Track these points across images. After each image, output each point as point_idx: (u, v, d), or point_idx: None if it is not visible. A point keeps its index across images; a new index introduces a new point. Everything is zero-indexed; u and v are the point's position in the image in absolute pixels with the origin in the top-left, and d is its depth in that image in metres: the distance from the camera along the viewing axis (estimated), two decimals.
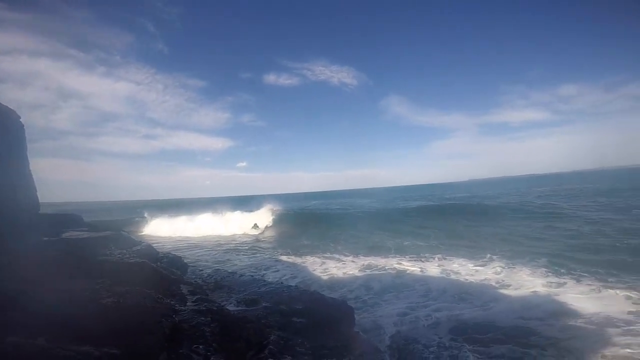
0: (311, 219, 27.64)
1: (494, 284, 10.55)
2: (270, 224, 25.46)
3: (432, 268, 13.44)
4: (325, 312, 6.74)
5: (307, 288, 9.84)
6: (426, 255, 15.62)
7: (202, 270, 8.67)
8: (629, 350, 5.87)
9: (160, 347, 3.96)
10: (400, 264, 14.15)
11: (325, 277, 13.01)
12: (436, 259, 14.75)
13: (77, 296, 4.41)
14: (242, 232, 24.50)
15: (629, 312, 7.43)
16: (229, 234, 24.29)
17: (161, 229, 26.42)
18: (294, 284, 10.59)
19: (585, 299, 8.46)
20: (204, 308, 5.63)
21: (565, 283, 9.71)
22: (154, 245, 10.47)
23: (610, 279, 9.68)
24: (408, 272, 13.05)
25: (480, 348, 6.54)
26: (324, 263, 15.34)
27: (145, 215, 29.65)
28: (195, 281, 8.08)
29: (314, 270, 14.04)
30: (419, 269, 13.10)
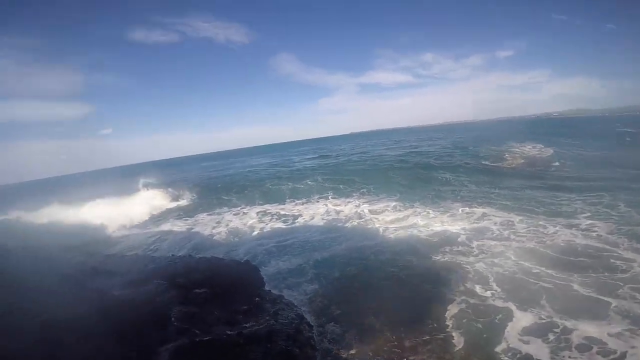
0: (202, 185, 25.99)
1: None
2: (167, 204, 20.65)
3: (319, 208, 15.87)
4: (229, 277, 6.57)
5: (204, 254, 9.60)
6: (317, 196, 18.23)
7: (71, 258, 7.27)
8: None
9: (33, 357, 3.39)
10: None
11: (222, 236, 13.17)
12: (321, 200, 17.55)
13: None
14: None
15: None
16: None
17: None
18: (187, 254, 10.26)
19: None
20: (82, 298, 4.83)
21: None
22: None
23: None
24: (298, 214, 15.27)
25: None
26: (219, 220, 15.61)
27: None
28: (65, 271, 6.77)
29: (209, 231, 14.08)
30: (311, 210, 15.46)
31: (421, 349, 5.43)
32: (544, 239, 9.45)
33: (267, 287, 6.99)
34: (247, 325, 4.83)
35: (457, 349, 5.49)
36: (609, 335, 5.33)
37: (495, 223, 11.05)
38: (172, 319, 4.71)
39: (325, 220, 13.99)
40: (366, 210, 14.42)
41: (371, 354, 5.38)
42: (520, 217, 11.25)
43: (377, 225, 12.36)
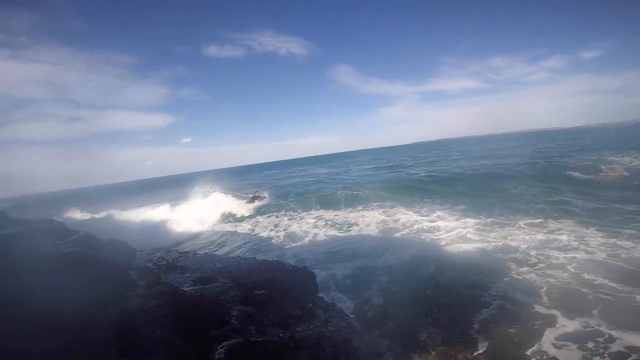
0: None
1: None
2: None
3: (375, 216, 15.58)
4: (287, 280, 6.71)
5: (266, 257, 10.06)
6: (374, 204, 17.93)
7: (152, 253, 8.17)
8: None
9: (109, 338, 3.71)
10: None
11: (280, 240, 13.74)
12: (378, 208, 17.23)
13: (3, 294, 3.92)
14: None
15: None
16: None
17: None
18: (251, 255, 10.81)
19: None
20: (156, 291, 5.38)
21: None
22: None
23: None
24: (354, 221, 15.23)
25: None
26: (277, 224, 16.43)
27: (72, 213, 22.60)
28: (145, 265, 7.64)
29: (268, 233, 14.81)
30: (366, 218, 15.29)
31: None
32: (618, 252, 8.46)
33: (320, 294, 7.02)
34: (298, 329, 4.92)
35: (484, 349, 5.46)
36: None
37: (569, 236, 10.03)
38: (233, 317, 4.90)
39: (380, 229, 13.66)
40: (425, 221, 13.76)
41: None
42: (600, 233, 9.98)
43: (436, 237, 11.66)
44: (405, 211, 15.88)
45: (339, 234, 13.81)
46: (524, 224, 11.75)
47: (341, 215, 16.92)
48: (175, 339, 3.97)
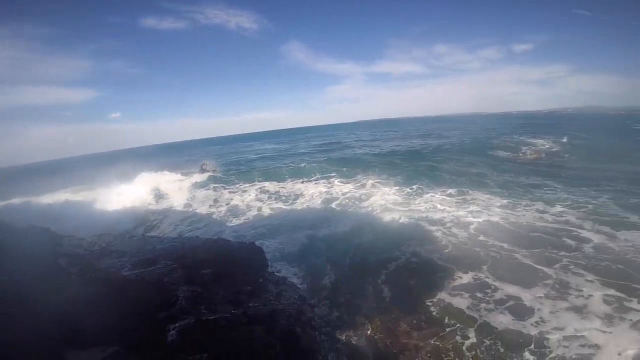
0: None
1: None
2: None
3: (320, 187, 16.37)
4: (234, 257, 6.66)
5: (209, 235, 9.88)
6: (319, 177, 18.70)
7: (82, 238, 7.41)
8: None
9: (51, 329, 3.42)
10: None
11: (223, 215, 13.60)
12: (323, 180, 18.00)
13: None
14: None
15: None
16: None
17: None
18: (194, 234, 10.46)
19: None
20: (92, 278, 4.88)
21: None
22: None
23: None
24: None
25: None
26: (216, 198, 16.14)
27: None
28: (74, 252, 6.92)
29: (208, 209, 14.49)
30: (311, 191, 15.87)
31: (415, 334, 5.79)
32: (510, 217, 10.42)
33: (270, 269, 7.12)
34: (251, 305, 4.92)
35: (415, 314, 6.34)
36: (529, 295, 6.51)
37: (477, 204, 11.95)
38: (180, 298, 4.78)
39: (324, 200, 14.29)
40: (363, 192, 14.81)
41: (367, 337, 5.72)
42: (502, 201, 12.01)
43: (372, 206, 12.78)
44: (347, 183, 16.84)
45: (284, 207, 14.01)
46: (444, 193, 13.66)
47: (286, 187, 17.04)
48: (123, 324, 3.80)
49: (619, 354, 4.93)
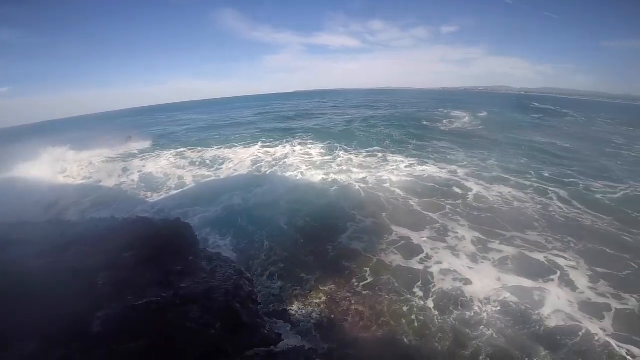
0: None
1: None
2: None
3: (248, 153, 16.69)
4: (160, 237, 6.34)
5: (130, 215, 9.12)
6: (249, 143, 18.92)
7: None
8: None
9: None
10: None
11: (145, 188, 12.74)
12: (252, 146, 18.22)
13: None
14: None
15: None
16: None
17: None
18: (108, 215, 9.58)
19: None
20: None
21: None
22: None
23: None
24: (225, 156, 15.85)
25: None
26: (126, 167, 15.12)
27: None
28: None
29: (131, 184, 13.34)
30: (240, 155, 16.19)
31: (354, 300, 6.33)
32: (415, 173, 12.87)
33: (201, 245, 6.96)
34: (183, 285, 4.81)
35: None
36: (418, 237, 8.13)
37: (394, 163, 14.23)
38: (100, 285, 4.59)
39: (253, 164, 14.56)
40: (296, 156, 15.70)
41: (308, 306, 6.10)
42: (414, 160, 14.47)
43: (303, 169, 13.77)
44: (274, 147, 17.45)
45: (207, 173, 13.62)
46: (369, 154, 15.69)
47: (210, 153, 16.60)
48: (39, 319, 3.64)
49: (482, 288, 6.37)
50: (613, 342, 5.16)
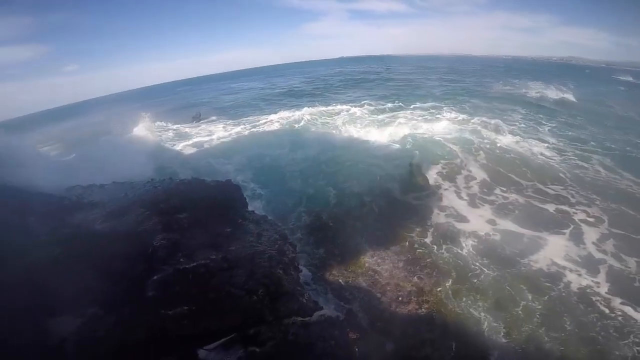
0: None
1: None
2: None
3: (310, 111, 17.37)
4: (210, 198, 6.37)
5: (183, 176, 9.47)
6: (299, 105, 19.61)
7: (50, 194, 6.98)
8: None
9: (26, 297, 3.35)
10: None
11: (191, 152, 13.49)
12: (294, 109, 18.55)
13: None
14: None
15: None
16: None
17: None
18: (166, 176, 9.96)
19: None
20: (63, 236, 4.79)
21: None
22: None
23: None
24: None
25: None
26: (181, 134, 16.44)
27: None
28: (46, 209, 6.51)
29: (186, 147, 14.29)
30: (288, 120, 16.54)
31: (398, 273, 6.06)
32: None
33: (250, 207, 6.92)
34: (231, 248, 4.81)
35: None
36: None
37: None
38: (156, 248, 4.69)
39: (298, 127, 14.88)
40: (329, 115, 16.15)
41: (349, 275, 5.91)
42: (464, 116, 15.17)
43: (337, 127, 14.14)
44: (317, 109, 17.73)
45: (254, 135, 14.38)
46: (424, 110, 16.55)
47: (258, 119, 17.44)
48: (99, 284, 3.72)
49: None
50: (596, 295, 5.26)
